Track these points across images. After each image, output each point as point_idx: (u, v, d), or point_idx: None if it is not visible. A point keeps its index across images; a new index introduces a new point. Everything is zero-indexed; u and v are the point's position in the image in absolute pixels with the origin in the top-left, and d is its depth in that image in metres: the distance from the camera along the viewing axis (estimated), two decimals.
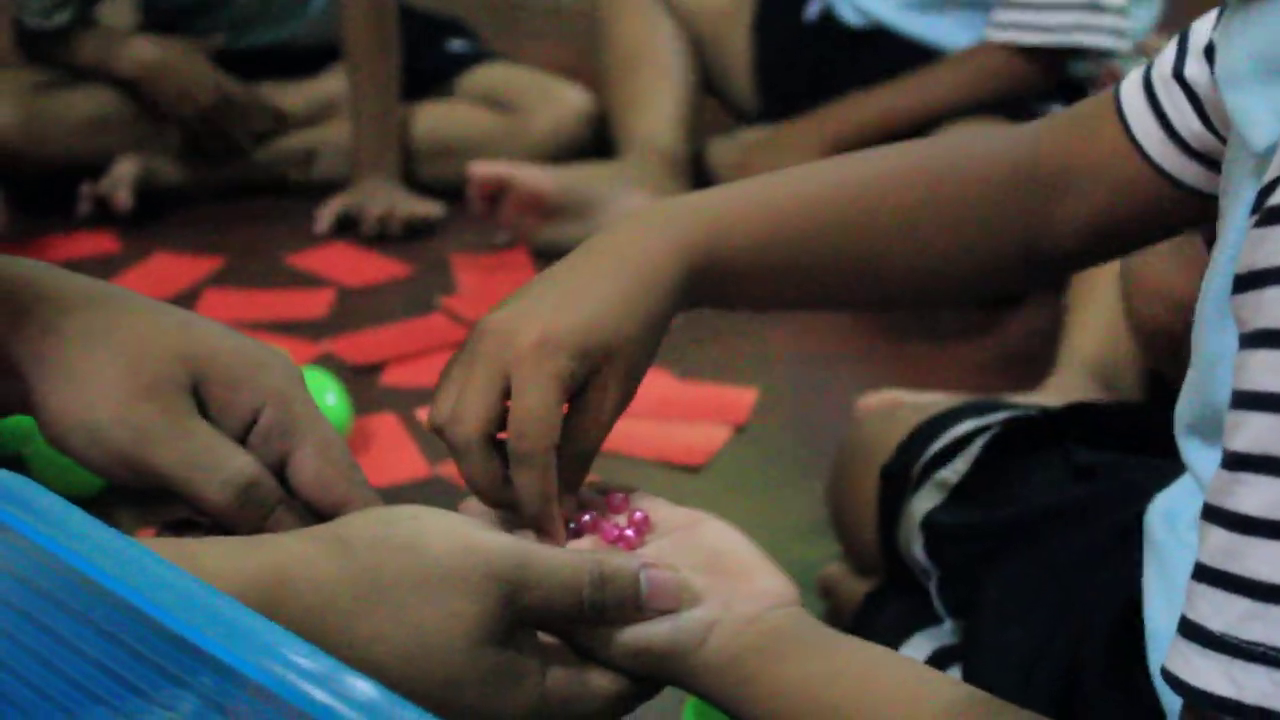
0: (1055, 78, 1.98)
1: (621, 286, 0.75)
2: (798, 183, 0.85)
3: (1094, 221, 0.83)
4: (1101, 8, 1.92)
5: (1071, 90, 1.97)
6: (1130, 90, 0.81)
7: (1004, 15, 1.96)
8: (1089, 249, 0.85)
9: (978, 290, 0.88)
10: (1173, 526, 0.77)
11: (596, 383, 0.73)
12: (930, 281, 0.86)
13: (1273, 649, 0.53)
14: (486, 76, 2.41)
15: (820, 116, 2.06)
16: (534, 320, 0.72)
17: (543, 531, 0.70)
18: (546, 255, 2.06)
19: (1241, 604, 0.54)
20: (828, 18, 2.15)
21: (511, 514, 0.71)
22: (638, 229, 0.78)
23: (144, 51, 2.25)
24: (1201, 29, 0.78)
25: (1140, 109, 0.80)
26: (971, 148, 0.89)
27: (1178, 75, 0.79)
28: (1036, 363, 1.67)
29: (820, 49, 2.14)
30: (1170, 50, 0.80)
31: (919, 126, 1.97)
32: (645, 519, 0.69)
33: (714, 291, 0.80)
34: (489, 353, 0.70)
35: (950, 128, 1.97)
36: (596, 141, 2.31)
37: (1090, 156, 0.82)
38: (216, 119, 2.26)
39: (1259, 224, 0.57)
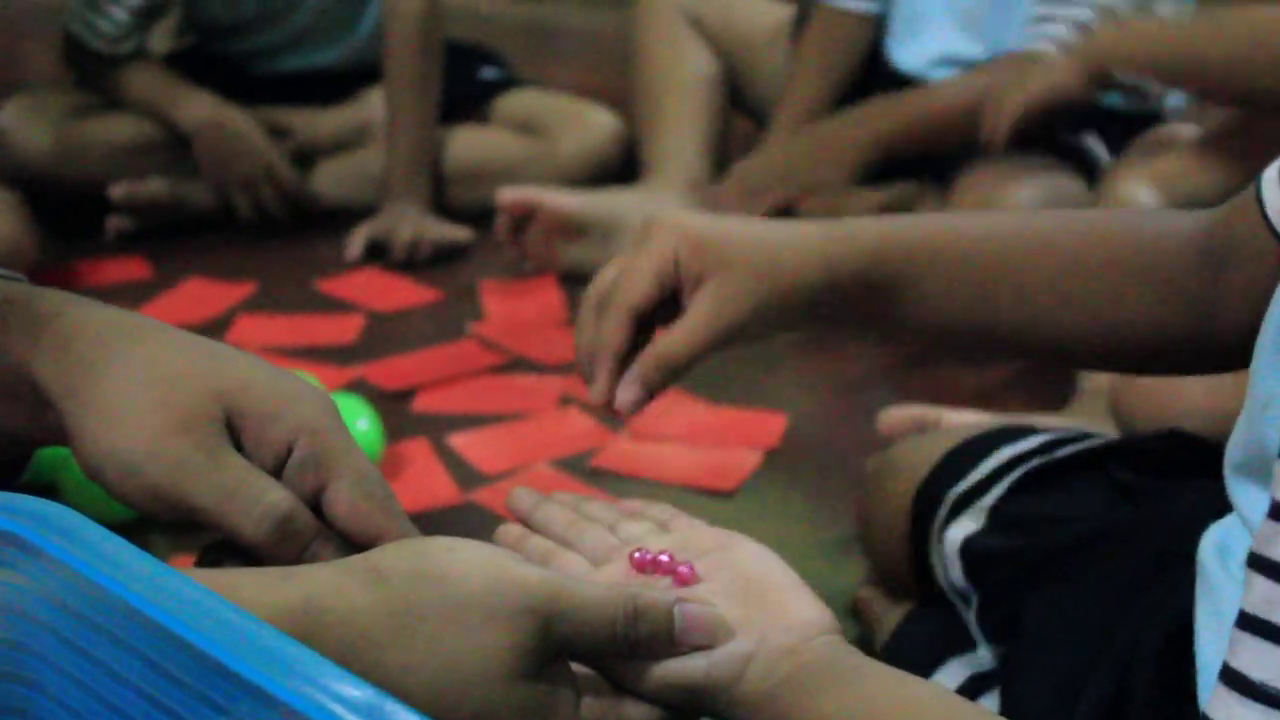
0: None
1: (773, 230, 0.87)
2: (972, 219, 0.92)
3: (1250, 298, 0.82)
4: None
5: (1107, 120, 1.97)
6: (1271, 169, 0.81)
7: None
8: (1249, 329, 0.84)
9: (1146, 360, 0.90)
10: (1224, 561, 0.76)
11: (698, 293, 0.84)
12: (1099, 336, 0.87)
13: None
14: (517, 102, 2.42)
15: (853, 121, 2.04)
16: (693, 217, 0.86)
17: (589, 377, 0.85)
18: (574, 279, 2.07)
19: None
20: (876, 58, 2.15)
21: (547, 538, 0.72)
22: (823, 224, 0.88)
23: (204, 110, 2.25)
24: None
25: (1273, 184, 0.80)
26: (1146, 217, 0.91)
27: None
28: (1059, 383, 1.68)
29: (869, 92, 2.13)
30: None
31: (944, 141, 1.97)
32: (691, 571, 0.68)
33: (874, 296, 0.87)
34: (650, 238, 0.85)
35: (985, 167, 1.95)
36: (626, 165, 2.32)
37: (1242, 232, 0.82)
38: (256, 190, 2.27)
39: None
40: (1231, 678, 0.55)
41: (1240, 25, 1.62)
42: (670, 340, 0.85)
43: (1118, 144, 1.93)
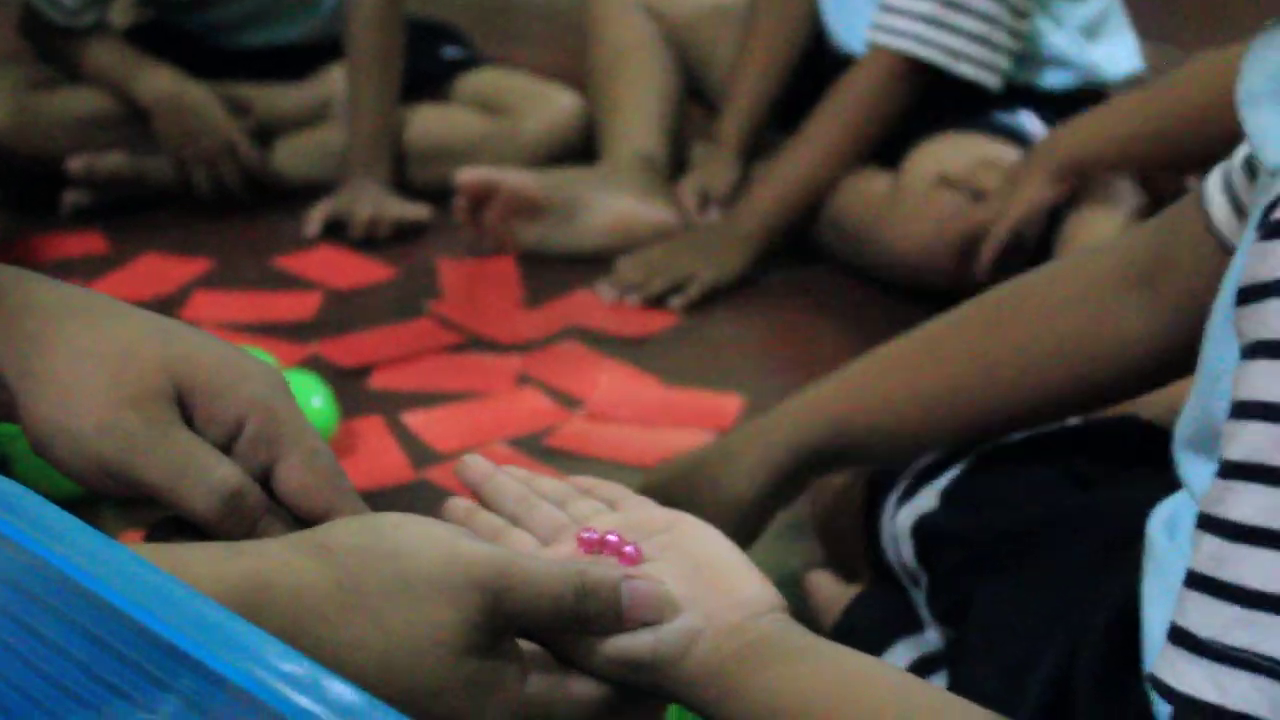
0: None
1: (718, 476, 1.05)
2: (893, 361, 1.05)
3: (1177, 310, 0.84)
4: (990, 43, 1.94)
5: (1042, 101, 1.98)
6: (1212, 176, 0.82)
7: (891, 21, 1.96)
8: (1170, 340, 0.87)
9: (1104, 399, 1.00)
10: (1173, 535, 0.77)
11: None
12: (1050, 406, 0.99)
13: (1257, 655, 0.53)
14: (479, 80, 2.41)
15: (752, 198, 2.06)
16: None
17: None
18: (532, 259, 2.07)
19: (1229, 611, 0.55)
20: (821, 42, 2.15)
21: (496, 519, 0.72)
22: (774, 427, 1.06)
23: (164, 84, 2.23)
24: None
25: (1217, 191, 0.81)
26: (1053, 279, 0.98)
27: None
28: None
29: (818, 72, 2.13)
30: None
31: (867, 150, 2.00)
32: (638, 552, 0.68)
33: (841, 467, 1.09)
34: None
35: (917, 151, 1.97)
36: (587, 145, 2.31)
37: (1177, 245, 0.83)
38: (215, 165, 2.25)
39: (1263, 238, 0.58)
40: (1179, 636, 0.56)
41: (1198, 73, 1.58)
42: None
43: (1053, 121, 1.95)
